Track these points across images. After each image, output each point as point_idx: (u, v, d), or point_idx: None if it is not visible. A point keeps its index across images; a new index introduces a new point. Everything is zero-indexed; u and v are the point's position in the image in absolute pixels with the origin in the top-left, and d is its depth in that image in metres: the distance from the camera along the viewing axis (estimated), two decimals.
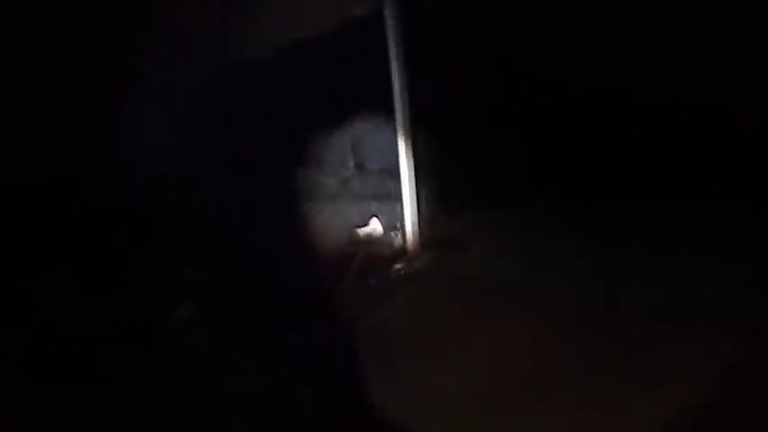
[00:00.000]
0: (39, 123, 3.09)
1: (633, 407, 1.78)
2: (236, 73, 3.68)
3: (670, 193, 2.48)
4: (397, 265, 2.86)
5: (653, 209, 2.51)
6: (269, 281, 2.88)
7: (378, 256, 3.00)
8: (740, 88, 2.27)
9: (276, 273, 2.93)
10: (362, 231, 3.15)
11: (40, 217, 3.06)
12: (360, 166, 3.44)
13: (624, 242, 2.54)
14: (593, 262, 2.51)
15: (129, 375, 2.13)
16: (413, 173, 3.02)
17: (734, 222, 2.31)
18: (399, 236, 3.06)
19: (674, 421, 1.70)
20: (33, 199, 3.06)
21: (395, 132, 3.05)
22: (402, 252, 2.98)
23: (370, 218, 3.21)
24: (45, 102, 3.07)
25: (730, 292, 2.17)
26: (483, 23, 2.66)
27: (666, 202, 2.48)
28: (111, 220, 3.22)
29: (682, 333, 2.04)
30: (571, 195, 2.68)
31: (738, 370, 1.87)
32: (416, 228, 3.02)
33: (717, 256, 2.30)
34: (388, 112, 3.06)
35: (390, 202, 3.21)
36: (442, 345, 2.23)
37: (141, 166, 3.47)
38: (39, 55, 3.03)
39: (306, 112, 3.52)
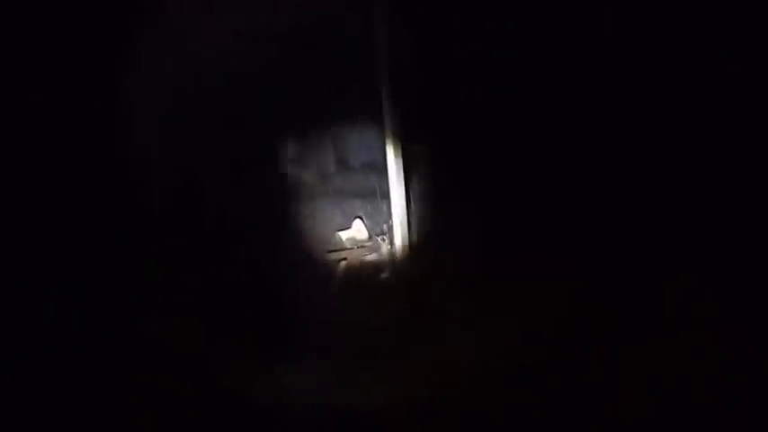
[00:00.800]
0: (31, 124, 3.02)
1: None
2: (211, 65, 3.44)
3: (664, 198, 2.29)
4: (385, 275, 2.57)
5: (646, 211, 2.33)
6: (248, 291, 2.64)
7: (363, 263, 2.71)
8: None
9: (255, 283, 2.67)
10: (345, 235, 2.85)
11: (38, 217, 3.01)
12: (342, 162, 3.15)
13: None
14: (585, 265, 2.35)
15: (126, 376, 2.11)
16: (401, 172, 2.73)
17: None
18: (386, 240, 2.76)
19: None
20: (32, 199, 3.05)
21: (379, 125, 2.77)
22: (390, 259, 2.69)
23: (354, 220, 2.91)
24: (35, 101, 2.99)
25: None
26: (475, 16, 2.42)
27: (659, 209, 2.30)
28: (104, 221, 3.14)
29: None
30: (567, 196, 2.47)
31: None
32: (405, 231, 2.72)
33: None
34: (371, 103, 2.77)
35: (375, 200, 2.92)
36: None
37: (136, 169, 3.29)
38: (33, 55, 2.98)
39: (283, 104, 3.25)
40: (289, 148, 3.29)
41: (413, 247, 2.76)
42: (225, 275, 2.80)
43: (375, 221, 2.94)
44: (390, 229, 2.77)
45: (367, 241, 2.84)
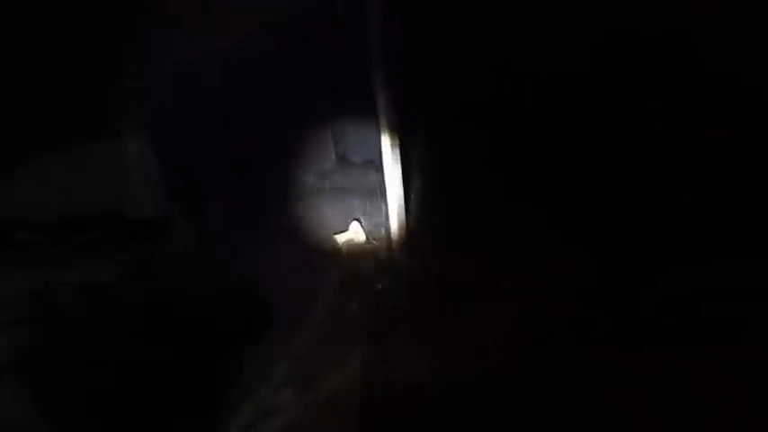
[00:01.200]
0: (29, 123, 2.96)
1: None
2: (207, 59, 3.32)
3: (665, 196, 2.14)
4: (382, 285, 2.42)
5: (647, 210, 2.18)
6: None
7: (359, 270, 2.57)
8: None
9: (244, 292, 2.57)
10: (342, 238, 2.70)
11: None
12: (342, 158, 3.00)
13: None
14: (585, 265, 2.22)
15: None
16: (399, 171, 2.55)
17: None
18: (384, 245, 2.60)
19: None
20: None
21: (376, 122, 2.58)
22: (388, 266, 2.54)
23: (351, 222, 2.76)
24: (33, 100, 2.93)
25: None
26: (473, 10, 2.22)
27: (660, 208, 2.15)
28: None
29: None
30: (568, 195, 2.30)
31: None
32: (404, 236, 2.56)
33: None
34: (370, 98, 2.59)
35: (376, 199, 2.76)
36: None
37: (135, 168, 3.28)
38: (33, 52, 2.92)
39: (282, 97, 3.10)
40: (287, 144, 3.16)
41: (411, 251, 2.60)
42: (220, 277, 2.71)
43: (374, 223, 2.79)
44: (388, 233, 2.60)
45: (364, 245, 2.69)
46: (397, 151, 2.57)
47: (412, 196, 2.63)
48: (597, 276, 2.18)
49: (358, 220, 2.76)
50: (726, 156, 1.95)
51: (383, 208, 2.70)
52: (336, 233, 2.74)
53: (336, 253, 2.67)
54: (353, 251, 2.66)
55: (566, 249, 2.28)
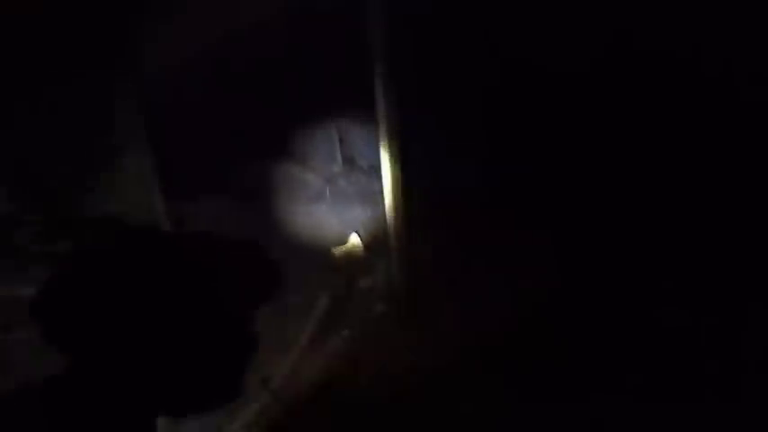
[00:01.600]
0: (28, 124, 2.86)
1: None
2: (209, 60, 3.16)
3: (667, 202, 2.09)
4: (378, 308, 2.26)
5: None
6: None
7: (355, 288, 2.41)
8: None
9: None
10: (341, 251, 2.54)
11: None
12: (350, 162, 2.84)
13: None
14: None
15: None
16: (399, 177, 2.36)
17: None
18: (383, 262, 2.44)
19: None
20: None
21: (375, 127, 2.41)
22: (386, 285, 2.37)
23: (351, 233, 2.60)
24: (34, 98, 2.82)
25: None
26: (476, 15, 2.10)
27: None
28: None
29: None
30: (569, 203, 2.21)
31: None
32: (404, 253, 2.38)
33: None
34: (370, 102, 2.41)
35: (377, 208, 2.60)
36: None
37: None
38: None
39: (290, 100, 2.94)
40: (290, 146, 3.04)
41: (409, 261, 2.43)
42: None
43: (378, 226, 2.63)
44: (387, 248, 2.43)
45: (363, 258, 2.53)
46: (397, 156, 2.38)
47: (414, 210, 2.44)
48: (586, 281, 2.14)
49: (357, 232, 2.60)
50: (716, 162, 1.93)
51: (383, 217, 2.53)
52: (335, 246, 2.59)
53: (334, 267, 2.52)
54: (351, 264, 2.50)
55: (561, 255, 2.19)
